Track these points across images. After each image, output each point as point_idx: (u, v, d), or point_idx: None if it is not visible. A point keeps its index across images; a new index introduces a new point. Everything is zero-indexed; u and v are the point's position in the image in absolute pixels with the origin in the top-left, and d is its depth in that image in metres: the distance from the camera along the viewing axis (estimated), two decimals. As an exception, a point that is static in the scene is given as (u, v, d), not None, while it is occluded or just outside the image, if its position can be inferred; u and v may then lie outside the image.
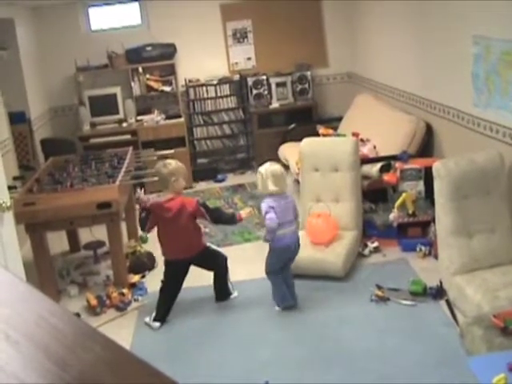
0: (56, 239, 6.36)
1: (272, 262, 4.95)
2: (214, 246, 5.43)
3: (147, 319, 4.96)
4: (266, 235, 4.85)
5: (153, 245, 5.95)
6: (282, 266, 4.97)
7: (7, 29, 7.51)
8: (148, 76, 8.77)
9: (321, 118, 8.81)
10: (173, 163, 4.97)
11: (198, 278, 5.31)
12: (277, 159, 7.55)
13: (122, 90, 8.64)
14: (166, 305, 5.00)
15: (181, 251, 4.96)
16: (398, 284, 5.01)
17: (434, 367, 3.91)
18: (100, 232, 6.10)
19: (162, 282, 5.06)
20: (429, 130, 6.39)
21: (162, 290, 5.06)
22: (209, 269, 5.22)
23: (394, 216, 5.71)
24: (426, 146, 6.42)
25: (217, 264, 5.23)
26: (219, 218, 5.12)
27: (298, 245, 4.99)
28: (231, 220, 5.16)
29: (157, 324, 4.90)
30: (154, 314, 4.95)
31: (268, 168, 4.87)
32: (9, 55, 7.38)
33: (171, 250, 5.02)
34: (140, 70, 8.69)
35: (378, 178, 6.11)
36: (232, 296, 5.27)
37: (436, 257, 5.19)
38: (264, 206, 4.80)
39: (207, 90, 8.96)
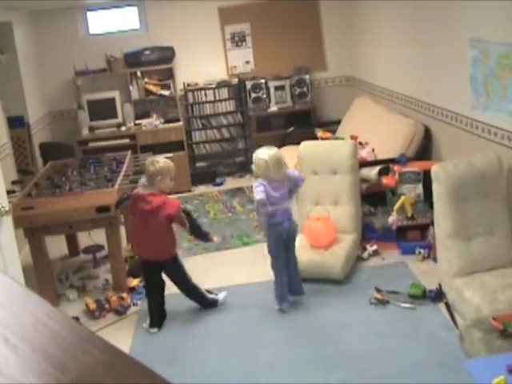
0: (55, 243, 6.36)
1: (271, 244, 4.96)
2: (182, 263, 5.14)
3: (145, 325, 4.95)
4: (259, 218, 4.84)
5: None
6: (282, 248, 4.94)
7: (5, 32, 7.51)
8: (146, 80, 8.78)
9: (319, 122, 8.82)
10: (161, 162, 4.81)
11: (197, 281, 5.32)
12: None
13: (121, 94, 8.65)
14: (154, 308, 4.97)
15: (151, 251, 4.85)
16: (397, 287, 5.01)
17: (433, 370, 3.91)
18: (99, 236, 6.09)
19: (143, 286, 5.05)
20: (427, 133, 6.40)
21: (146, 294, 5.06)
22: (175, 283, 5.10)
23: (392, 219, 5.71)
24: (425, 148, 6.42)
25: (182, 281, 5.09)
26: (196, 229, 5.05)
27: (294, 223, 4.97)
28: (205, 237, 5.13)
29: (154, 330, 4.89)
30: (148, 321, 4.94)
31: (271, 155, 4.81)
32: (7, 59, 7.38)
33: (142, 248, 4.94)
34: (138, 73, 8.69)
35: (377, 181, 6.11)
36: (220, 299, 5.22)
37: (435, 260, 5.19)
38: (256, 183, 4.80)
39: (206, 94, 8.97)
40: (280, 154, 4.90)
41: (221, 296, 5.23)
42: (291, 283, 5.04)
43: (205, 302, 5.15)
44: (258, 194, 4.71)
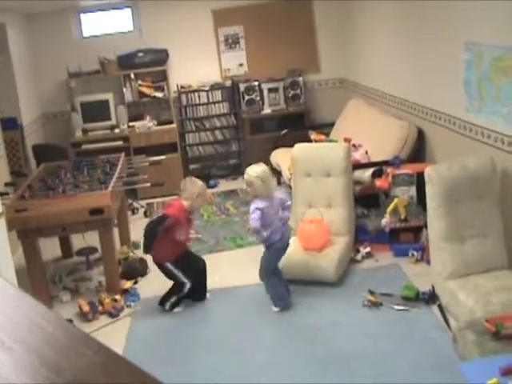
0: (48, 245, 6.34)
1: (270, 261, 5.01)
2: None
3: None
4: (257, 237, 4.95)
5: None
6: (276, 264, 5.05)
7: (-1, 34, 7.50)
8: (140, 82, 8.78)
9: (313, 124, 8.83)
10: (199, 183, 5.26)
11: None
12: (268, 165, 7.58)
13: (114, 96, 8.64)
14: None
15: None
16: (390, 289, 5.01)
17: (426, 372, 3.91)
18: (92, 238, 6.08)
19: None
20: (421, 136, 6.41)
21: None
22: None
23: (386, 221, 5.71)
24: (418, 151, 6.44)
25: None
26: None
27: (288, 233, 5.16)
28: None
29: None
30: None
31: (264, 170, 4.93)
32: (0, 61, 7.37)
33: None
34: (132, 75, 8.69)
35: (370, 183, 6.12)
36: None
37: (428, 262, 5.19)
38: (252, 207, 4.87)
39: (199, 96, 8.97)
40: (267, 168, 5.05)
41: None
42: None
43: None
44: (253, 221, 4.82)
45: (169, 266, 5.15)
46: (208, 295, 5.37)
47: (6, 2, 6.83)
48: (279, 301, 5.01)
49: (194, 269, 5.24)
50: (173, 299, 5.19)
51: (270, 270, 5.02)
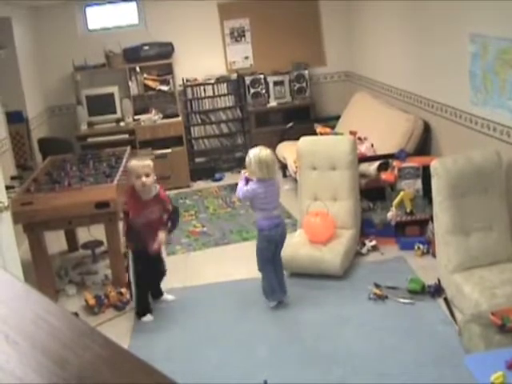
0: (54, 239, 6.36)
1: (259, 249, 4.96)
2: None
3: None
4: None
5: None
6: (272, 252, 4.97)
7: (4, 28, 7.49)
8: (145, 75, 8.77)
9: (318, 117, 8.82)
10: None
11: (196, 278, 5.33)
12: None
13: (120, 90, 8.64)
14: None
15: None
16: (396, 282, 5.01)
17: (432, 365, 3.91)
18: (98, 231, 6.09)
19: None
20: (426, 129, 6.40)
21: None
22: None
23: (391, 214, 5.71)
24: (424, 144, 6.43)
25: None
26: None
27: (284, 229, 5.02)
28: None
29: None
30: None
31: (267, 154, 4.87)
32: (6, 54, 7.36)
33: None
34: (137, 69, 8.68)
35: (376, 176, 6.12)
36: (167, 298, 5.32)
37: (434, 255, 5.19)
38: (250, 185, 4.86)
39: (205, 89, 8.95)
40: (270, 153, 4.93)
41: (170, 297, 5.33)
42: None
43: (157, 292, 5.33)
44: (238, 188, 4.93)
45: (130, 255, 5.06)
46: (169, 297, 5.31)
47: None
48: (271, 295, 4.96)
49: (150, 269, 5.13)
50: (138, 308, 5.11)
51: (260, 259, 4.98)
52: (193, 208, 7.64)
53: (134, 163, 4.91)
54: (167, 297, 5.30)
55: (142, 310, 5.04)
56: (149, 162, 4.93)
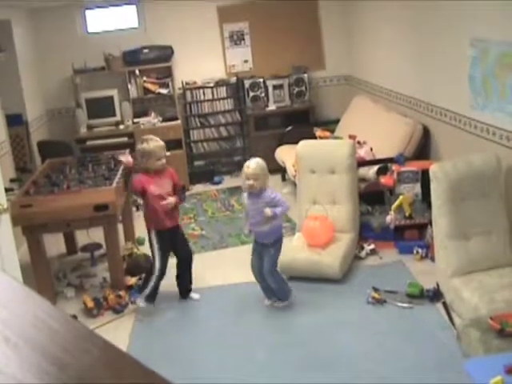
0: (53, 241, 6.36)
1: (278, 258, 5.01)
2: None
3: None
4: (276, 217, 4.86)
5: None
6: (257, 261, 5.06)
7: (4, 30, 7.50)
8: (145, 78, 8.78)
9: (318, 121, 8.82)
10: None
11: (194, 281, 5.33)
12: (274, 161, 7.62)
13: (119, 93, 8.64)
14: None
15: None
16: (394, 286, 5.01)
17: (431, 370, 3.91)
18: (97, 234, 6.08)
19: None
20: (426, 133, 6.40)
21: None
22: None
23: (390, 218, 5.71)
24: (423, 148, 6.43)
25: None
26: None
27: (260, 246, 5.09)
28: None
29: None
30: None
31: (264, 163, 4.89)
32: (5, 57, 7.36)
33: None
34: (137, 72, 8.69)
35: (375, 180, 6.12)
36: (194, 296, 5.33)
37: (433, 259, 5.19)
38: (278, 195, 4.90)
39: (204, 93, 8.96)
40: (256, 167, 4.84)
41: (196, 296, 5.35)
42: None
43: (186, 288, 5.39)
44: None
45: (152, 234, 5.15)
46: (197, 296, 5.33)
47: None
48: (288, 295, 5.03)
49: (177, 255, 5.34)
50: (144, 292, 5.16)
51: (252, 264, 5.07)
52: (191, 211, 7.64)
53: (154, 145, 5.06)
54: (193, 295, 5.34)
55: (150, 295, 5.12)
56: (163, 143, 5.16)
